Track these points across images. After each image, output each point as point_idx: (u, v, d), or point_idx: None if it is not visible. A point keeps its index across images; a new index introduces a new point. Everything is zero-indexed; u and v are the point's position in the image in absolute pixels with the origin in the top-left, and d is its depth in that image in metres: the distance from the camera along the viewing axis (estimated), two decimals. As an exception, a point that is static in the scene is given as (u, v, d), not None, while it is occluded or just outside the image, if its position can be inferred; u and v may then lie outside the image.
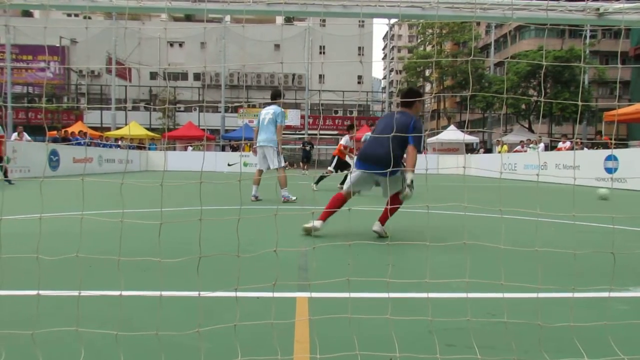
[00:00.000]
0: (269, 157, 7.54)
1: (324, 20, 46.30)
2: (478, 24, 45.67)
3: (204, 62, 44.92)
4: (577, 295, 2.59)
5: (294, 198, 7.55)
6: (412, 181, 4.19)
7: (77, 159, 17.44)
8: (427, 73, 48.20)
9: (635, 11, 2.53)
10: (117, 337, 1.74)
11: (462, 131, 30.52)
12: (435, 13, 2.53)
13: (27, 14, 47.37)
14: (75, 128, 26.83)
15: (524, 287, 2.63)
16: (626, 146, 19.25)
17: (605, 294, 2.58)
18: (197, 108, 40.88)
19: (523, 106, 34.95)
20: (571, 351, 1.83)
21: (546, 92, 32.64)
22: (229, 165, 24.76)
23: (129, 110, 41.01)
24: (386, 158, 4.06)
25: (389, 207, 4.23)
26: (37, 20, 47.67)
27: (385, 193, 4.46)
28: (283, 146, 7.76)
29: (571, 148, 17.70)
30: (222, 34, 38.19)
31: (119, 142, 27.48)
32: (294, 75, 46.50)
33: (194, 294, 2.50)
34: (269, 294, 2.46)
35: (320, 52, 48.03)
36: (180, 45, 48.09)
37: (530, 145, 21.71)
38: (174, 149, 31.63)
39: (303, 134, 37.19)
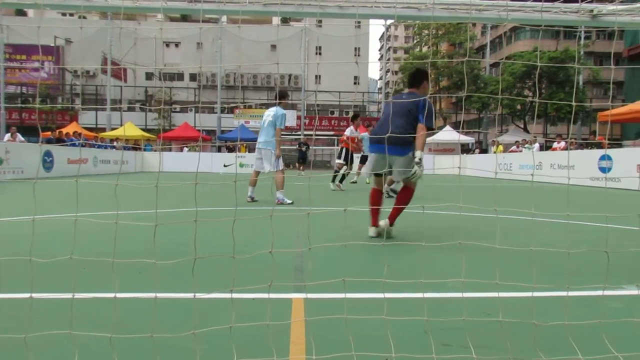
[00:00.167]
0: (267, 160, 7.53)
1: (320, 21, 46.33)
2: (474, 25, 45.83)
3: (200, 62, 44.88)
4: (571, 294, 2.60)
5: (289, 201, 7.51)
6: (420, 159, 4.17)
7: (71, 160, 17.36)
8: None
9: (629, 13, 2.55)
10: (111, 339, 1.74)
11: (458, 131, 30.63)
12: (431, 14, 2.53)
13: (21, 13, 47.12)
14: (70, 129, 26.69)
15: (519, 287, 2.64)
16: (620, 146, 19.35)
17: (599, 293, 2.59)
18: (193, 109, 40.80)
19: (518, 106, 35.10)
20: (566, 350, 1.83)
21: (541, 93, 32.79)
22: (224, 166, 24.73)
23: (124, 111, 40.88)
24: (399, 138, 4.04)
25: (396, 206, 4.20)
26: (31, 19, 47.45)
27: (396, 175, 4.42)
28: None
29: (566, 148, 17.78)
30: (218, 35, 38.18)
31: (114, 143, 27.40)
32: (290, 75, 46.49)
33: (189, 295, 2.49)
34: (265, 295, 2.46)
35: (317, 53, 48.06)
36: (176, 45, 48.00)
37: (526, 146, 21.79)
38: (170, 149, 31.58)
39: (299, 135, 37.19)
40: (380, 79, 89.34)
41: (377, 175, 4.53)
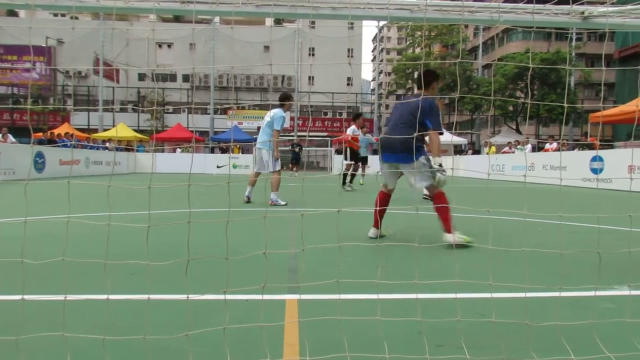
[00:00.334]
0: (264, 160, 7.56)
1: (313, 22, 46.34)
2: (466, 26, 46.07)
3: (193, 63, 44.74)
4: (564, 294, 2.61)
5: (283, 203, 7.52)
6: (440, 165, 4.07)
7: (63, 161, 17.24)
8: (416, 75, 48.41)
9: (619, 14, 2.57)
10: (104, 342, 1.72)
11: (451, 132, 30.74)
12: (424, 16, 2.54)
13: (12, 13, 46.78)
14: (62, 130, 26.51)
15: (512, 287, 2.65)
16: (611, 147, 19.51)
17: (591, 293, 2.61)
18: (186, 109, 40.71)
19: (510, 108, 35.29)
20: (558, 350, 1.85)
21: (533, 94, 32.99)
22: (218, 167, 24.67)
23: (116, 112, 40.69)
24: (401, 145, 3.99)
25: (435, 207, 4.07)
26: (23, 20, 47.10)
27: (416, 182, 4.21)
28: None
29: (558, 149, 17.90)
30: (211, 35, 38.09)
31: (107, 144, 27.24)
32: (283, 76, 46.47)
33: (183, 297, 2.48)
34: (258, 297, 2.45)
35: (310, 54, 48.06)
36: (169, 46, 47.83)
37: (518, 147, 21.92)
38: (163, 150, 31.44)
39: (292, 136, 37.20)
40: (373, 80, 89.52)
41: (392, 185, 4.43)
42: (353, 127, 11.80)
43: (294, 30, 42.03)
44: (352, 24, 45.09)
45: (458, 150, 32.92)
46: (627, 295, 2.67)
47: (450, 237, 3.97)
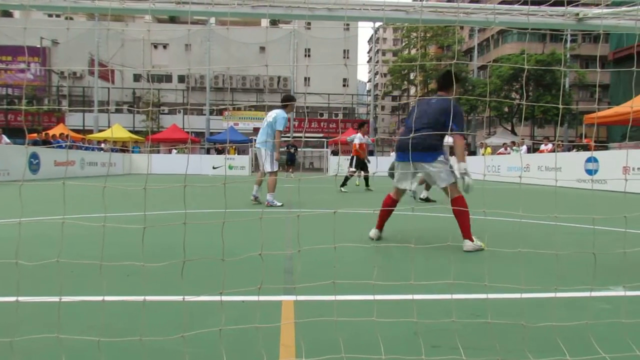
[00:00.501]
0: (262, 160, 7.59)
1: (309, 23, 46.32)
2: (461, 28, 46.20)
3: (189, 64, 44.64)
4: (559, 295, 2.62)
5: (279, 204, 7.53)
6: (465, 170, 4.00)
7: (58, 162, 17.16)
8: (411, 76, 48.59)
9: (614, 16, 2.59)
10: (99, 343, 1.72)
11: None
12: (419, 17, 2.55)
13: (6, 14, 46.59)
14: (57, 130, 26.41)
15: (507, 288, 2.66)
16: (606, 148, 19.60)
17: (586, 294, 2.62)
18: (182, 110, 40.60)
19: (506, 109, 35.39)
20: (554, 351, 1.85)
21: (528, 95, 33.11)
22: (213, 168, 24.63)
23: (111, 113, 40.53)
24: (421, 144, 3.92)
25: (454, 210, 3.98)
26: (17, 20, 46.89)
27: (438, 181, 4.11)
28: None
29: (553, 150, 17.98)
30: (206, 36, 38.00)
31: (102, 145, 27.14)
32: (279, 77, 46.46)
33: (178, 298, 2.48)
34: (255, 298, 2.45)
35: (306, 55, 48.06)
36: (165, 47, 47.72)
37: (514, 148, 22.00)
38: (158, 151, 31.35)
39: (288, 137, 37.19)
40: (369, 81, 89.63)
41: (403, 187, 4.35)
42: (359, 135, 11.89)
43: (289, 32, 42.00)
44: (347, 25, 45.20)
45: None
46: (622, 296, 2.68)
47: (470, 245, 3.93)
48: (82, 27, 41.61)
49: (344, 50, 49.62)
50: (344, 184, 11.48)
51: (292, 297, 2.56)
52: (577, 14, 2.58)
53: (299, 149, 25.01)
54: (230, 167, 24.84)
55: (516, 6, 2.58)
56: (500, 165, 19.34)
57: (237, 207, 7.33)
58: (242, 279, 2.94)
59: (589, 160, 13.49)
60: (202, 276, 3.03)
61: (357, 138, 11.86)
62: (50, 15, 47.72)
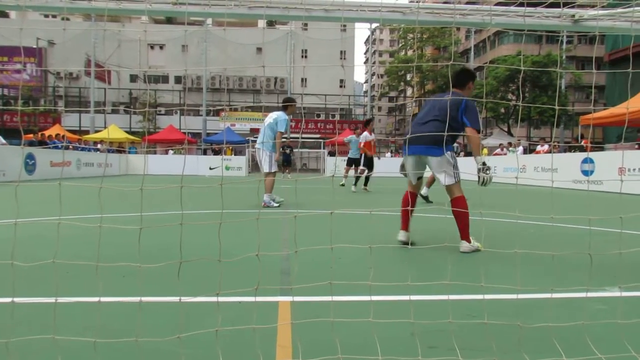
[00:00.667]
0: (261, 161, 7.61)
1: (306, 24, 46.35)
2: (458, 29, 46.29)
3: (185, 65, 44.59)
4: (555, 295, 2.63)
5: (276, 204, 7.54)
6: (484, 163, 3.92)
7: (54, 163, 17.10)
8: (408, 77, 48.68)
9: (609, 17, 2.60)
10: (95, 344, 1.71)
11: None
12: (416, 18, 2.55)
13: (2, 14, 46.42)
14: (53, 131, 26.30)
15: (503, 289, 2.66)
16: (602, 149, 19.68)
17: (582, 295, 2.62)
18: (178, 111, 40.53)
19: (502, 110, 35.49)
20: (550, 351, 1.86)
21: (524, 97, 33.21)
22: (210, 169, 24.60)
23: (108, 113, 40.41)
24: (430, 137, 3.82)
25: (454, 210, 3.90)
26: (13, 21, 46.72)
27: (443, 179, 4.02)
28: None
29: (549, 151, 18.03)
30: (203, 37, 37.96)
31: (98, 146, 27.07)
32: (276, 78, 46.45)
33: (175, 299, 2.47)
34: (251, 299, 2.45)
35: (303, 56, 48.08)
36: (161, 47, 47.64)
37: (510, 149, 22.06)
38: (155, 152, 31.30)
39: (285, 138, 37.10)
40: (366, 82, 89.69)
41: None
42: (365, 133, 11.96)
43: (286, 32, 42.01)
44: (344, 26, 45.25)
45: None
46: (618, 297, 2.69)
47: (467, 246, 3.91)
48: (78, 27, 41.54)
49: (341, 51, 49.65)
50: (365, 184, 11.64)
51: (289, 298, 2.56)
52: (573, 16, 2.59)
53: (294, 150, 25.00)
54: (227, 168, 24.82)
55: (512, 7, 2.59)
56: (497, 166, 19.40)
57: (234, 207, 7.32)
58: (239, 280, 2.94)
59: (584, 161, 13.54)
60: (199, 277, 3.03)
61: (363, 137, 11.93)
62: (46, 16, 47.56)
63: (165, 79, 47.10)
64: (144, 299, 2.46)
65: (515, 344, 1.95)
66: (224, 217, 6.02)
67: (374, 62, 67.82)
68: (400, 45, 50.34)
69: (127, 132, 33.72)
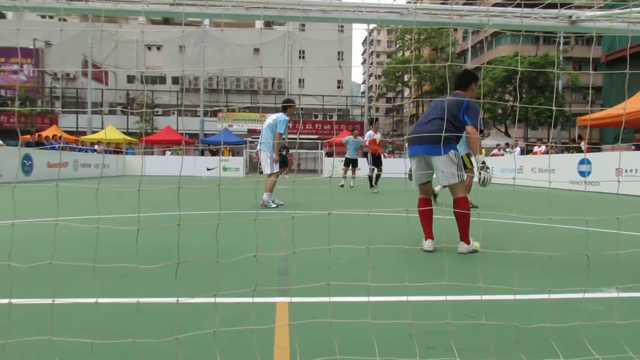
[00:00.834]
0: (262, 162, 7.65)
1: (303, 25, 46.38)
2: (455, 30, 46.42)
3: (183, 65, 44.55)
4: (553, 296, 2.63)
5: (274, 205, 7.55)
6: (483, 162, 3.91)
7: (51, 164, 17.05)
8: (405, 78, 48.75)
9: (606, 19, 2.61)
10: (92, 345, 1.71)
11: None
12: (414, 19, 2.56)
13: (-1, 15, 46.31)
14: (50, 132, 26.23)
15: (501, 289, 2.67)
16: (599, 150, 19.72)
17: (580, 295, 2.63)
18: (176, 112, 40.45)
19: (499, 111, 35.55)
20: (547, 352, 1.86)
21: (522, 97, 33.27)
22: (208, 169, 24.57)
23: (105, 114, 40.35)
24: (432, 137, 3.80)
25: (455, 211, 3.86)
26: (10, 22, 46.57)
27: (444, 179, 3.99)
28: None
29: (546, 152, 18.07)
30: (200, 38, 37.93)
31: (95, 147, 27.01)
32: (273, 79, 46.42)
33: (172, 300, 2.46)
34: (249, 300, 2.44)
35: (300, 57, 48.07)
36: (158, 48, 47.56)
37: (507, 149, 22.09)
38: (152, 153, 31.25)
39: (282, 139, 37.06)
40: (364, 82, 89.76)
41: (423, 182, 4.21)
42: (370, 132, 11.99)
43: (284, 33, 42.00)
44: (342, 27, 45.28)
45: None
46: (615, 297, 2.70)
47: (465, 248, 3.91)
48: (75, 28, 41.44)
49: (338, 52, 49.65)
50: (372, 185, 11.66)
51: (287, 299, 2.56)
52: (570, 17, 2.60)
53: (290, 150, 25.00)
54: (225, 169, 24.80)
55: (510, 8, 2.60)
56: (494, 166, 19.42)
57: (232, 208, 7.32)
58: (237, 281, 2.93)
59: (582, 162, 13.57)
60: (196, 278, 3.02)
61: (367, 135, 11.99)
62: (43, 17, 47.43)
63: (162, 79, 47.01)
64: (142, 300, 2.46)
65: (512, 344, 1.96)
66: (222, 218, 6.02)
67: (372, 63, 67.88)
68: (397, 46, 50.41)
69: (124, 132, 33.66)
